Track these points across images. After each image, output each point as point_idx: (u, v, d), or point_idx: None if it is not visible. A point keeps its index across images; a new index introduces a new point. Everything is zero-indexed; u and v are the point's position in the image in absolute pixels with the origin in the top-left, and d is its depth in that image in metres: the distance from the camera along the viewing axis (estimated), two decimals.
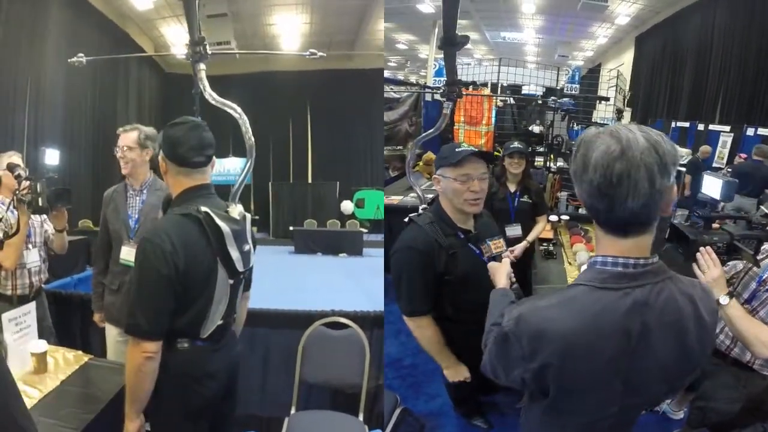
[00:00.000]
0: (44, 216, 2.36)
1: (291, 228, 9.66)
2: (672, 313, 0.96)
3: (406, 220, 1.98)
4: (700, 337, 1.00)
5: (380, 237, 9.57)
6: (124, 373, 1.47)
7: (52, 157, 7.23)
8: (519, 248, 3.05)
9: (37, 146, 6.99)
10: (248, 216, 1.69)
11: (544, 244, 3.61)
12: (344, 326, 2.44)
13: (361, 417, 2.32)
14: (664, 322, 0.95)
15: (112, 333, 2.35)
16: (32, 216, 2.22)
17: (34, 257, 2.36)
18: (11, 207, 2.16)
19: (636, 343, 0.94)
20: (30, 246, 2.35)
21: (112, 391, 1.72)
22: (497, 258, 1.84)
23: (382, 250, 8.57)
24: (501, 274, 1.65)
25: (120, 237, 2.26)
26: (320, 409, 2.45)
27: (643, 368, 0.97)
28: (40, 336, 2.00)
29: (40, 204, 2.05)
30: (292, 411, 2.35)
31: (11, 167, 2.22)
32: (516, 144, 3.23)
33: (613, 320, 0.93)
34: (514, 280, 1.70)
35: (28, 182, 2.06)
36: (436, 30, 12.07)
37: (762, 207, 2.14)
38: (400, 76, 15.14)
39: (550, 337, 0.93)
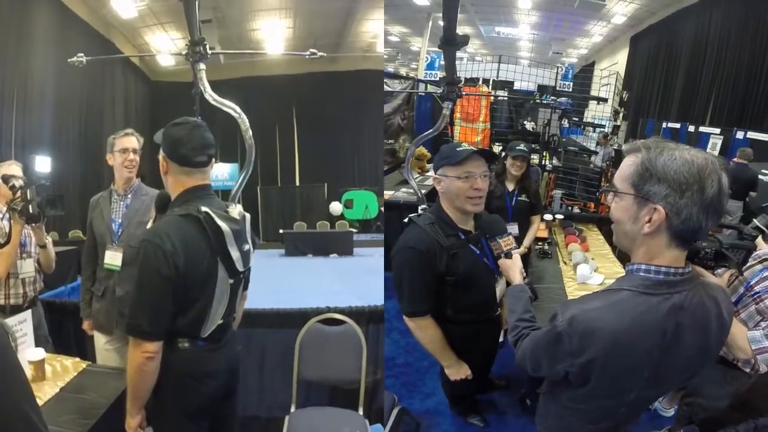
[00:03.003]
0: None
1: (281, 231, 9.61)
2: (701, 314, 1.09)
3: (406, 220, 1.97)
4: (719, 334, 1.14)
5: (370, 237, 9.63)
6: (122, 378, 1.48)
7: (42, 164, 7.15)
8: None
9: (25, 153, 6.86)
10: (248, 216, 1.70)
11: (539, 243, 3.61)
12: (340, 323, 2.45)
13: (360, 411, 2.33)
14: (694, 322, 1.08)
15: (100, 341, 2.34)
16: (28, 226, 2.17)
17: (28, 268, 2.33)
18: (6, 216, 2.12)
19: (669, 340, 1.07)
20: (25, 256, 2.32)
21: (111, 397, 1.72)
22: (508, 255, 1.83)
23: (372, 250, 8.73)
24: (514, 270, 1.74)
25: (104, 242, 2.26)
26: (320, 406, 2.45)
27: (671, 362, 1.10)
28: (37, 345, 1.98)
29: (31, 211, 2.01)
30: (292, 409, 2.35)
31: (5, 178, 2.19)
32: (522, 147, 3.23)
33: (653, 321, 1.05)
34: (524, 274, 1.75)
35: (19, 190, 2.03)
36: (430, 23, 12.01)
37: (755, 220, 2.21)
38: (390, 69, 15.10)
39: (599, 335, 1.05)
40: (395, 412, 2.36)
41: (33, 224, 2.11)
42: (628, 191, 1.05)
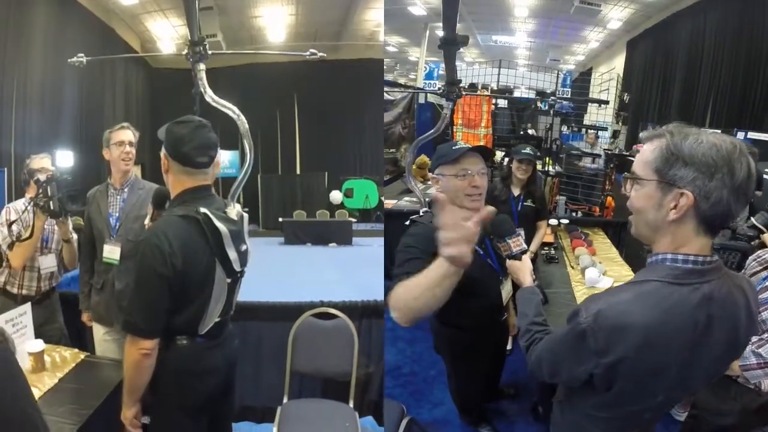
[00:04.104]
0: None
1: (280, 219, 9.68)
2: (730, 306, 1.04)
3: (408, 222, 1.93)
4: (747, 327, 1.09)
5: (369, 226, 9.69)
6: (119, 369, 1.55)
7: (64, 158, 7.06)
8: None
9: (24, 147, 6.79)
10: (245, 216, 1.71)
11: (546, 248, 3.56)
12: (333, 316, 2.49)
13: (351, 404, 2.38)
14: (725, 313, 1.02)
15: (99, 332, 2.36)
16: (53, 220, 2.22)
17: (50, 262, 2.37)
18: (30, 210, 2.17)
19: (700, 334, 1.01)
20: (46, 252, 2.36)
21: (108, 387, 1.76)
22: (517, 256, 1.77)
23: (371, 239, 8.74)
24: (525, 272, 1.67)
25: (102, 236, 2.28)
26: (312, 398, 2.51)
27: (699, 358, 1.04)
28: (52, 338, 2.09)
29: (52, 207, 2.05)
30: (285, 400, 2.41)
31: (31, 172, 2.26)
32: (528, 150, 3.19)
33: (684, 313, 0.99)
34: (534, 276, 1.69)
35: (41, 186, 2.06)
36: (427, 33, 12.07)
37: (752, 218, 2.06)
38: (389, 78, 15.17)
39: (629, 331, 0.98)
40: (404, 422, 2.29)
41: (56, 219, 2.14)
42: (650, 177, 1.00)
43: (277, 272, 6.30)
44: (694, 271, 1.00)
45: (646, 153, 1.01)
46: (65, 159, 7.10)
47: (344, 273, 6.49)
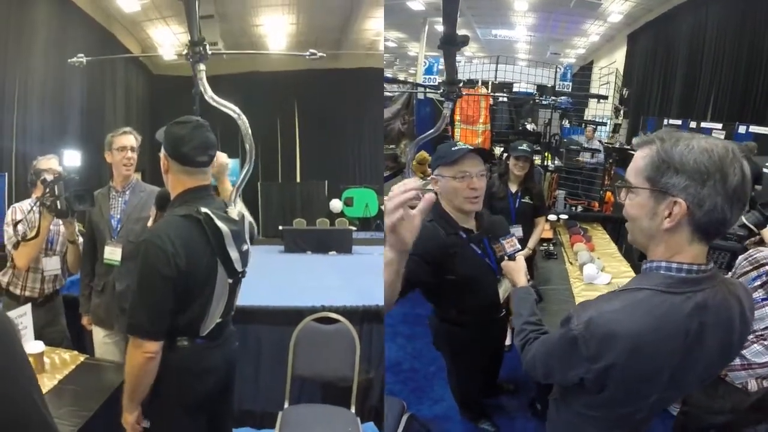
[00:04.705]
0: None
1: (280, 227, 9.65)
2: (724, 314, 1.03)
3: None
4: (742, 333, 1.09)
5: (369, 235, 9.68)
6: (119, 371, 1.52)
7: (72, 158, 7.07)
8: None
9: (26, 147, 6.80)
10: (246, 216, 1.72)
11: (544, 244, 3.57)
12: (334, 321, 2.48)
13: (352, 409, 2.36)
14: (718, 321, 1.02)
15: (99, 335, 2.36)
16: (59, 221, 2.22)
17: (54, 265, 2.38)
18: (37, 210, 2.17)
19: (692, 341, 1.00)
20: (50, 254, 2.37)
21: (108, 389, 1.76)
22: (511, 257, 1.80)
23: (371, 248, 8.75)
24: (519, 273, 1.69)
25: (104, 237, 2.30)
26: (313, 403, 2.49)
27: (692, 364, 1.04)
28: (54, 340, 2.09)
29: (58, 207, 2.04)
30: (286, 405, 2.39)
31: (37, 173, 2.27)
32: (524, 146, 3.18)
33: (676, 321, 0.98)
34: (528, 277, 1.72)
35: (48, 185, 2.06)
36: (426, 27, 12.03)
37: (742, 217, 2.00)
38: (389, 74, 15.14)
39: (619, 339, 0.98)
40: (404, 419, 2.32)
41: (63, 219, 2.14)
42: (642, 186, 0.99)
43: (277, 278, 6.31)
44: (687, 280, 0.99)
45: (638, 161, 1.00)
46: (72, 159, 7.10)
47: (345, 279, 6.50)
